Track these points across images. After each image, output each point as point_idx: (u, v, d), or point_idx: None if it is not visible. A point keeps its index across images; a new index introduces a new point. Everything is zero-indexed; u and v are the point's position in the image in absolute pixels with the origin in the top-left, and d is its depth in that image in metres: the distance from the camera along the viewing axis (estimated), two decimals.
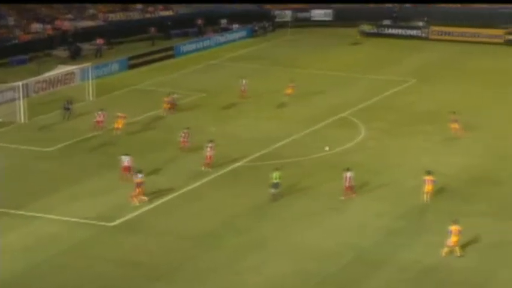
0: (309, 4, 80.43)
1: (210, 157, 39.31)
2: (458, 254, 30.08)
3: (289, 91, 51.81)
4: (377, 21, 75.48)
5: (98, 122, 45.64)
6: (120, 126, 44.78)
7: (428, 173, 35.75)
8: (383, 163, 40.58)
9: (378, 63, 63.12)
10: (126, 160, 37.54)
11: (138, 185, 35.17)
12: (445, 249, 30.21)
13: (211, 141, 39.82)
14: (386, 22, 75.59)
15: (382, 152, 42.28)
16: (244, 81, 52.48)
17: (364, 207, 35.12)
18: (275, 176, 35.63)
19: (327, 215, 34.37)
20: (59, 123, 47.52)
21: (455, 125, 43.96)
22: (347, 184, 35.59)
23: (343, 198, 35.58)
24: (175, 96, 50.21)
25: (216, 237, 32.37)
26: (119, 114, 45.20)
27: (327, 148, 42.60)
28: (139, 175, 35.32)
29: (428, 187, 35.50)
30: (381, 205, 35.30)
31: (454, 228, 30.09)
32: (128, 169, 37.40)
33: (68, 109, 48.33)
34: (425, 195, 35.54)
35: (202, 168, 39.15)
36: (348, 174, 35.53)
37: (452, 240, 30.00)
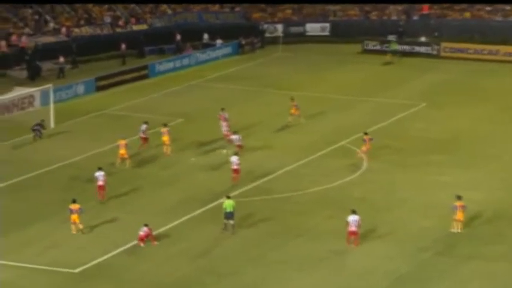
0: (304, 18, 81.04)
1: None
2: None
3: (293, 111, 52.14)
4: (380, 36, 75.83)
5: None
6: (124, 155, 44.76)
7: (459, 198, 36.02)
8: (389, 199, 40.49)
9: (382, 85, 63.31)
10: (100, 178, 39.46)
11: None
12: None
13: (236, 153, 42.26)
14: (391, 38, 75.93)
15: (388, 186, 42.20)
16: (222, 113, 50.01)
17: (369, 250, 34.92)
18: (226, 205, 36.23)
19: (327, 259, 34.10)
20: (15, 154, 47.19)
21: (364, 147, 45.56)
22: (350, 229, 35.01)
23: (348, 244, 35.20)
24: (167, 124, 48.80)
25: (197, 284, 31.98)
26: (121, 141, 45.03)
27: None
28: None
29: (459, 214, 35.73)
30: (388, 247, 35.14)
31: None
32: (102, 188, 39.51)
33: (39, 131, 49.19)
34: (455, 224, 35.89)
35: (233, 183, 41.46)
36: (351, 218, 35.02)
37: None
